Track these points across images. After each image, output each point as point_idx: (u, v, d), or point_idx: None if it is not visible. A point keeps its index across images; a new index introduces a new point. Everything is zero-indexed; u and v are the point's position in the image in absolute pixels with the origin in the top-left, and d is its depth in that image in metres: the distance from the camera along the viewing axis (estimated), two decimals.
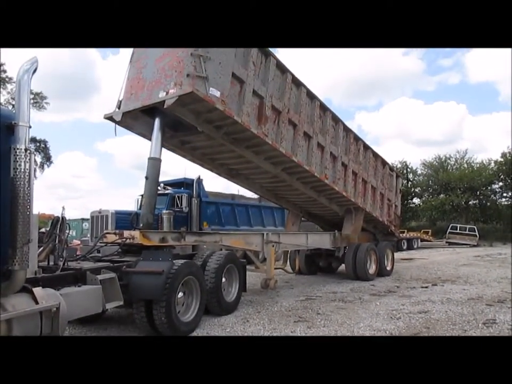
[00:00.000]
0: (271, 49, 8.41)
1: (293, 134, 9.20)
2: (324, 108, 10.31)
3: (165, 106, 6.79)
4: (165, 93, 6.93)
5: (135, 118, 7.90)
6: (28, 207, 4.05)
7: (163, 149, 7.99)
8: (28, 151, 4.02)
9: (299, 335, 6.15)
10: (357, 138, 11.94)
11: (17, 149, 3.97)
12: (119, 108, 7.87)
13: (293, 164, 9.30)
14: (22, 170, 3.98)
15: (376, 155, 13.09)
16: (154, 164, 7.68)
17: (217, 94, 7.05)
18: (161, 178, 12.22)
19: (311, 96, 9.79)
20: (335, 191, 10.92)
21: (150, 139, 7.83)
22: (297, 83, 9.25)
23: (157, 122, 7.68)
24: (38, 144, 33.91)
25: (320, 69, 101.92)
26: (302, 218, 13.26)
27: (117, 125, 7.90)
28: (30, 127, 4.08)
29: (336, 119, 10.88)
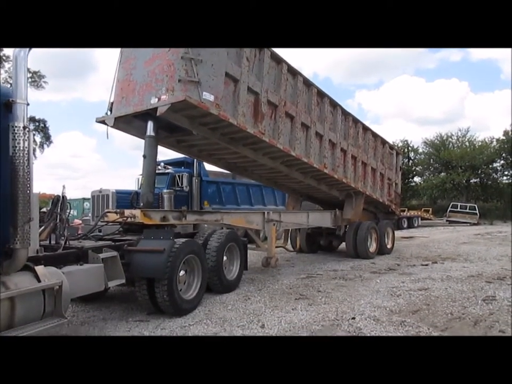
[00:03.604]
0: None
1: (290, 126, 9.04)
2: (321, 94, 10.12)
3: (157, 114, 6.62)
4: (156, 99, 6.73)
5: (127, 122, 7.73)
6: (28, 185, 4.04)
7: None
8: (27, 129, 3.98)
9: (290, 335, 6.19)
10: (355, 121, 11.81)
11: (16, 127, 3.93)
12: (110, 110, 7.68)
13: (292, 157, 9.22)
14: (21, 148, 3.95)
15: (375, 135, 12.98)
16: (152, 142, 7.59)
17: (211, 98, 6.85)
18: (161, 158, 12.20)
19: (307, 84, 9.59)
20: (335, 178, 10.89)
21: (144, 139, 7.69)
22: (293, 72, 9.01)
23: (150, 125, 7.48)
24: (37, 123, 33.67)
25: (321, 48, 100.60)
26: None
27: (109, 127, 7.69)
28: (28, 104, 4.03)
29: (334, 104, 10.70)
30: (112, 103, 7.71)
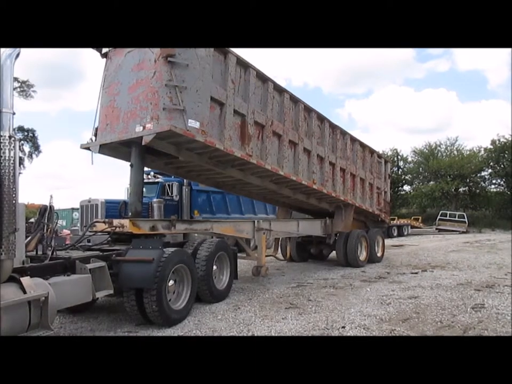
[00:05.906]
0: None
1: (278, 145, 8.97)
2: (308, 109, 10.08)
3: (143, 143, 6.56)
4: (141, 128, 6.62)
5: (113, 149, 7.60)
6: (14, 195, 3.99)
7: None
8: (12, 138, 3.95)
9: (294, 335, 6.16)
10: (343, 133, 11.80)
11: (1, 136, 3.90)
12: (95, 135, 7.56)
13: (280, 176, 9.16)
14: (7, 158, 3.92)
15: (363, 145, 13.01)
16: (138, 151, 7.52)
17: (197, 125, 6.74)
18: None
19: (294, 100, 9.54)
20: (324, 193, 10.87)
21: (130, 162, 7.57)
22: (279, 90, 8.96)
23: (136, 151, 7.32)
24: (26, 133, 33.43)
25: (311, 58, 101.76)
26: None
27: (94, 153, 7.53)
28: (13, 113, 4.00)
29: (321, 118, 10.69)
30: (96, 129, 7.57)
